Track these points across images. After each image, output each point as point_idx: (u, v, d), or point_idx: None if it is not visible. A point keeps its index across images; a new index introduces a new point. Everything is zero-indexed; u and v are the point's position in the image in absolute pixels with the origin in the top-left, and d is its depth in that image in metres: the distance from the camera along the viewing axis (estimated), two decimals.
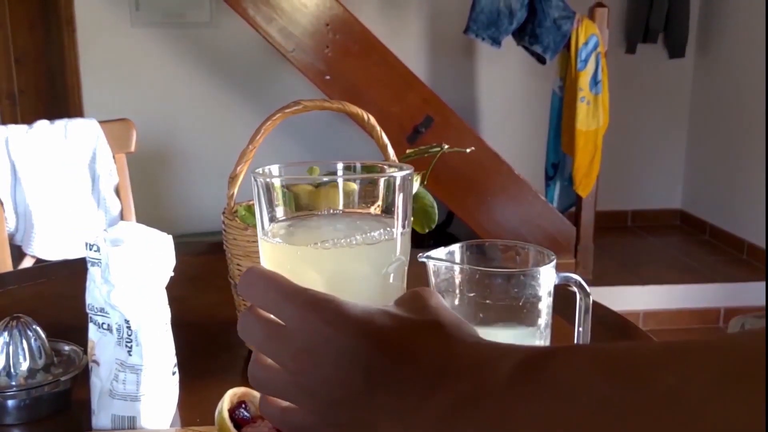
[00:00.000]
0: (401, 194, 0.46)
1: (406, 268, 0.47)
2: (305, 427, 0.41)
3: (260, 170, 0.46)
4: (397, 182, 0.45)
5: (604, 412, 0.32)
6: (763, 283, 3.16)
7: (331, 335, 0.38)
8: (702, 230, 3.88)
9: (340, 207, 0.47)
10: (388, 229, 0.45)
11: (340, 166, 0.50)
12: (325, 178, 0.48)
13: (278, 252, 0.46)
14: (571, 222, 3.13)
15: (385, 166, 0.49)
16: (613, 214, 3.94)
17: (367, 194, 0.48)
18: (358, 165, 0.50)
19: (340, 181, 0.48)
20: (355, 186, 0.48)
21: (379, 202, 0.47)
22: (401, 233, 0.46)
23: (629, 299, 3.10)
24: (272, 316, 0.41)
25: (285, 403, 0.42)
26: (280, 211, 0.46)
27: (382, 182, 0.46)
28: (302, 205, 0.49)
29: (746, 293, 3.15)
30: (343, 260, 0.45)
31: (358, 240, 0.44)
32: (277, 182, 0.46)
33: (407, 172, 0.46)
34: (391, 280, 0.46)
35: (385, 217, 0.46)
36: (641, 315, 3.12)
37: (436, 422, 0.36)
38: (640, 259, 3.52)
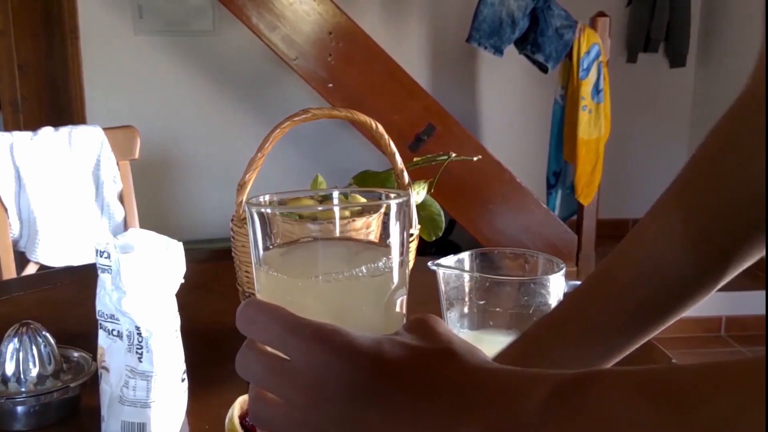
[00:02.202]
0: (398, 222, 0.44)
1: (406, 296, 0.47)
2: None
3: (254, 199, 0.46)
4: (393, 210, 0.44)
5: None
6: (764, 292, 3.16)
7: (341, 368, 0.36)
8: None
9: (337, 234, 0.46)
10: (388, 257, 0.45)
11: (335, 194, 0.49)
12: (320, 207, 0.48)
13: (278, 284, 0.45)
14: (572, 230, 3.14)
15: (382, 194, 0.48)
16: (614, 223, 3.94)
17: (363, 221, 0.47)
18: (355, 189, 0.50)
19: (336, 210, 0.47)
20: (351, 213, 0.47)
21: (376, 230, 0.46)
22: (400, 262, 0.45)
23: None
24: (273, 350, 0.39)
25: None
26: (275, 240, 0.45)
27: (378, 210, 0.45)
28: (297, 233, 0.48)
29: (747, 302, 3.15)
30: (346, 292, 0.44)
31: (362, 272, 0.44)
32: (271, 211, 0.45)
33: (403, 199, 0.45)
34: (393, 309, 0.45)
35: (383, 244, 0.45)
36: None
37: None
38: None
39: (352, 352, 0.37)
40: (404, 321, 0.45)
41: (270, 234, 0.45)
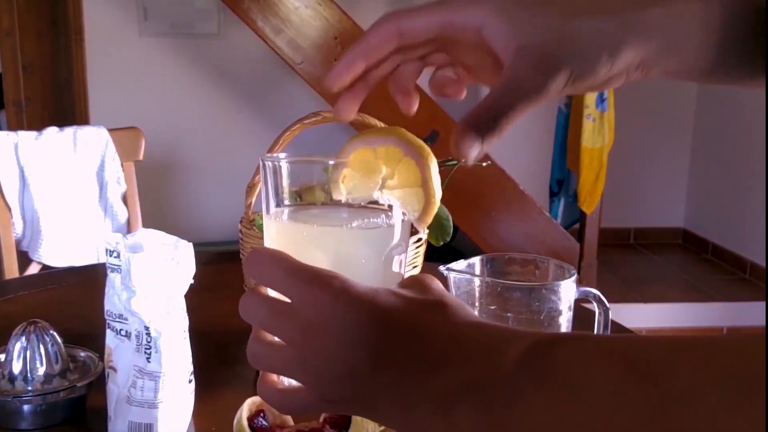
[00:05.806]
0: None
1: (406, 256, 0.49)
2: (305, 406, 0.41)
3: (269, 155, 0.48)
4: None
5: (614, 408, 0.31)
6: (764, 303, 3.16)
7: (337, 311, 0.39)
8: (704, 249, 3.88)
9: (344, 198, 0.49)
10: (389, 214, 0.47)
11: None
12: (332, 161, 0.49)
13: (283, 232, 0.47)
14: (574, 238, 3.14)
15: None
16: (616, 232, 3.94)
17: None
18: None
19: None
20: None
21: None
22: (402, 220, 0.47)
23: (631, 317, 3.10)
24: (277, 294, 0.42)
25: (283, 385, 0.43)
26: (286, 197, 0.48)
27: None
28: (308, 194, 0.50)
29: (748, 313, 3.15)
30: (347, 241, 0.46)
31: (362, 223, 0.46)
32: (285, 166, 0.47)
33: None
34: (390, 266, 0.47)
35: (388, 209, 0.48)
36: (643, 333, 3.12)
37: (439, 402, 0.36)
38: (643, 277, 3.52)
39: (348, 297, 0.39)
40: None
41: (280, 189, 0.47)
